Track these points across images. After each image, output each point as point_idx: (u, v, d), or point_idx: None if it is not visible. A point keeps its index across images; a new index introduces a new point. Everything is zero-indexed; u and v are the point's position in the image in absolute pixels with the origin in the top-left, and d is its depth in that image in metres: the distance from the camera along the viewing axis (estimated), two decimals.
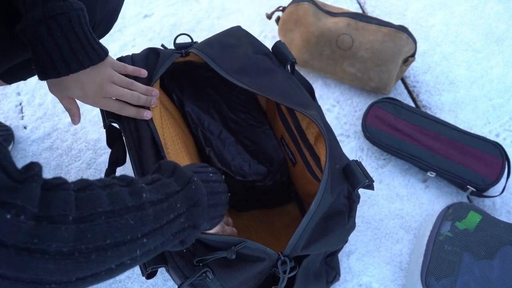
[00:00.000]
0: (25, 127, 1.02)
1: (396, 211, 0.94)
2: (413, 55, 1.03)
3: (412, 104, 1.08)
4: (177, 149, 0.73)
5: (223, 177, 0.58)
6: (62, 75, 0.59)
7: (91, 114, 1.03)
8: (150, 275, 0.62)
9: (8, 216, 0.33)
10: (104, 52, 0.63)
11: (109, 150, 0.75)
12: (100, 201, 0.40)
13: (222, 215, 0.56)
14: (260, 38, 1.14)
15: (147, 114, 0.67)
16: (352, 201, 0.69)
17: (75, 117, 0.68)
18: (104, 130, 0.74)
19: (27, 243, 0.34)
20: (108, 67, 0.65)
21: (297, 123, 0.80)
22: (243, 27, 0.82)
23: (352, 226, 0.70)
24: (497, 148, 0.94)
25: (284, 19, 1.07)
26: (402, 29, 1.00)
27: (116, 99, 0.66)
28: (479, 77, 1.12)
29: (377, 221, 0.93)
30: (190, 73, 0.83)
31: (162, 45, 0.79)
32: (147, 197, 0.44)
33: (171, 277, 0.66)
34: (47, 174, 0.96)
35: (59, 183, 0.38)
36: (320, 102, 1.06)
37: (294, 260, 0.61)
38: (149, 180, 0.48)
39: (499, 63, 1.14)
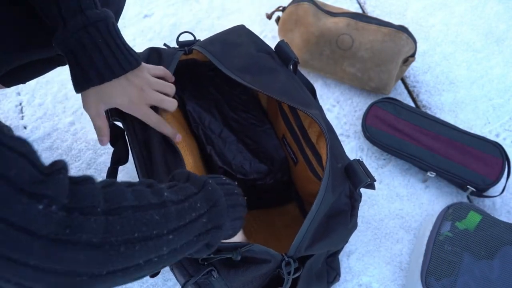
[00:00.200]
0: (25, 127, 1.02)
1: (396, 211, 0.94)
2: (413, 55, 1.03)
3: (412, 104, 1.08)
4: (180, 148, 0.73)
5: (236, 182, 0.58)
6: (106, 80, 0.60)
7: None
8: (154, 274, 0.62)
9: (40, 207, 0.34)
10: (139, 56, 0.64)
11: (110, 150, 0.75)
12: (126, 196, 0.41)
13: (242, 217, 0.55)
14: None
15: (179, 138, 0.67)
16: (354, 200, 0.68)
17: (105, 137, 0.67)
18: None
19: (59, 234, 0.35)
20: (145, 70, 0.65)
21: (299, 122, 0.80)
22: None
23: (354, 225, 0.70)
24: (497, 148, 0.94)
25: (284, 19, 1.07)
26: (402, 29, 1.01)
27: (155, 112, 0.66)
28: (479, 77, 1.12)
29: (377, 221, 0.93)
30: (192, 72, 0.83)
31: (165, 44, 0.79)
32: (167, 196, 0.45)
33: (175, 276, 0.66)
34: None
35: (85, 177, 0.39)
36: (320, 102, 1.05)
37: (298, 261, 0.61)
38: (167, 186, 0.49)
39: (499, 63, 1.15)
